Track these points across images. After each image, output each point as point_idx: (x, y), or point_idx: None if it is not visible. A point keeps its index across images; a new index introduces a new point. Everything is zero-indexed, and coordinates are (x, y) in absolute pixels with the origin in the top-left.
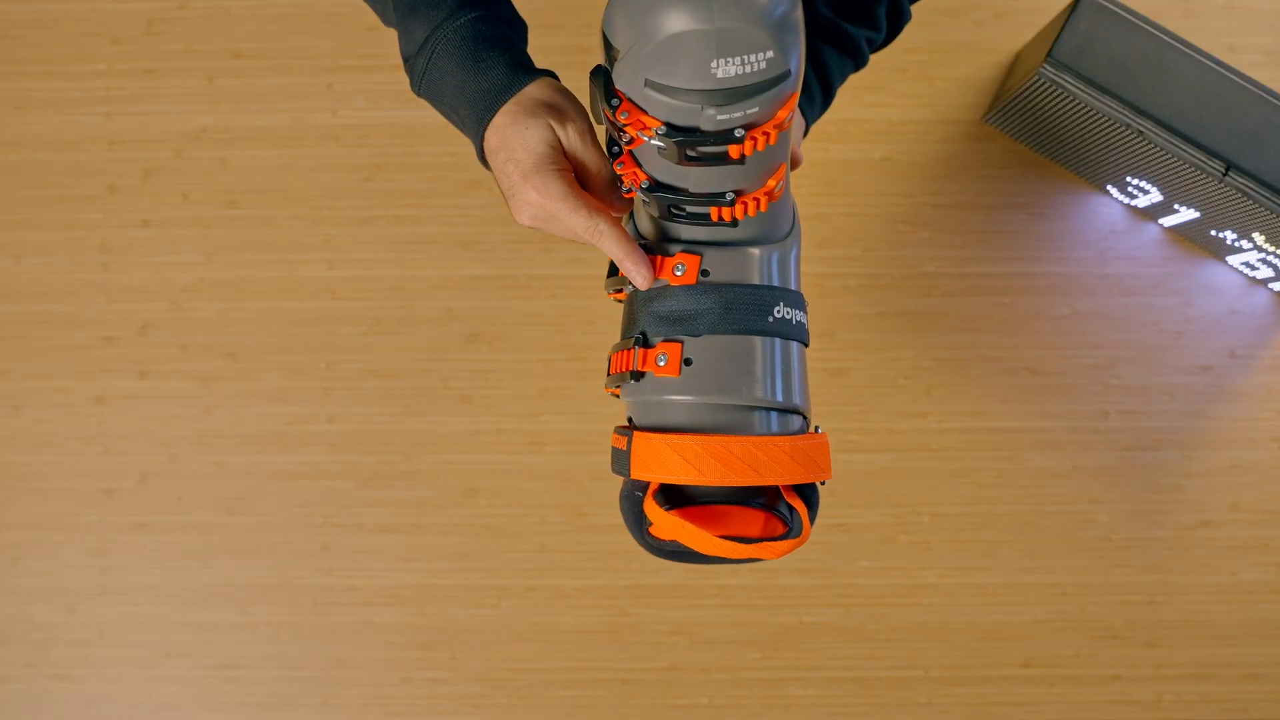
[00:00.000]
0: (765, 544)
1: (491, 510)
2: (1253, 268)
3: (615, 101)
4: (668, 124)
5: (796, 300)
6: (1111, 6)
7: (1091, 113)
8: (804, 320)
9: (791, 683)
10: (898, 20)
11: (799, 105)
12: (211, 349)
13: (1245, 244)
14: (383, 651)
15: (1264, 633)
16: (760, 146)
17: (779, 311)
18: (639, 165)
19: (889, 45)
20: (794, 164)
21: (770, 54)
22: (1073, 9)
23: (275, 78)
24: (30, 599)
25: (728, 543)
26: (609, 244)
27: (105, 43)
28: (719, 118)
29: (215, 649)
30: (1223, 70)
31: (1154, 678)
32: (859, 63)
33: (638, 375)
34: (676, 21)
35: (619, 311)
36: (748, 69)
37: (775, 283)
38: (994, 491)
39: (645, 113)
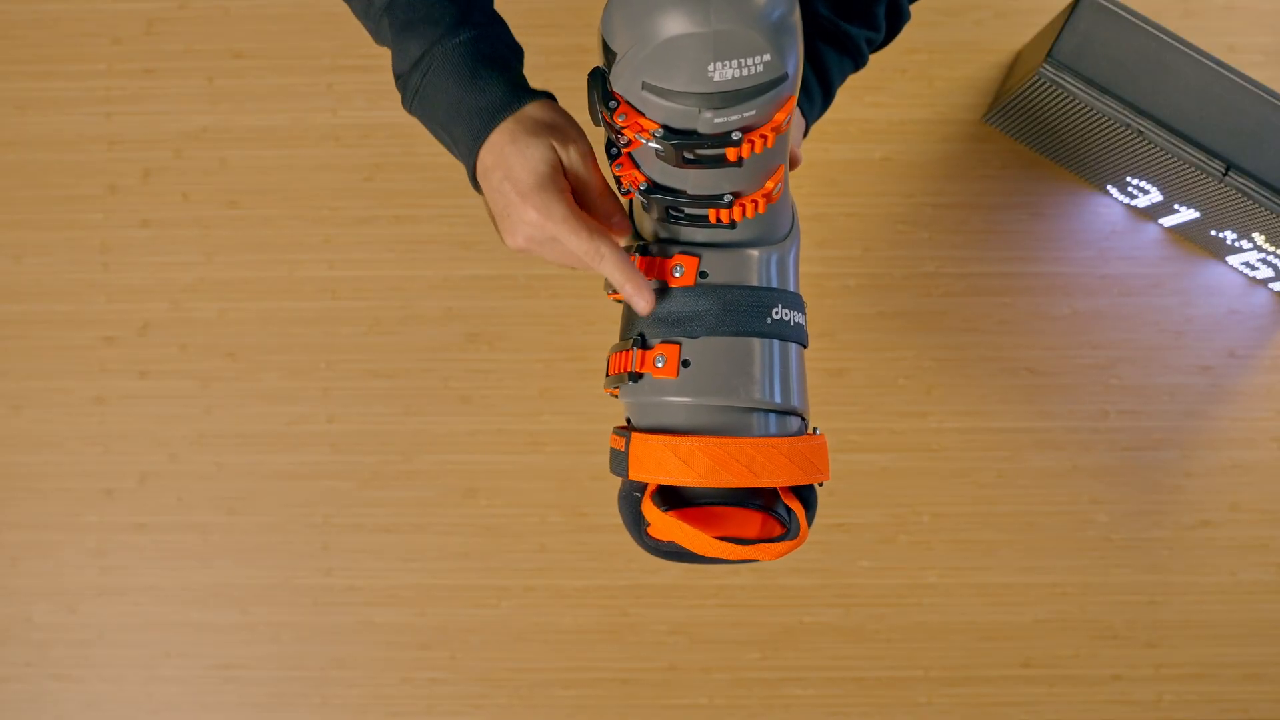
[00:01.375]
0: (763, 545)
1: (491, 510)
2: (1253, 268)
3: (613, 104)
4: (665, 126)
5: (795, 302)
6: (1111, 6)
7: (1091, 113)
8: (802, 322)
9: (791, 683)
10: (897, 20)
11: (799, 105)
12: (211, 349)
13: (1245, 244)
14: (383, 651)
15: (1264, 633)
16: (758, 149)
17: (777, 313)
18: (637, 167)
19: (889, 45)
20: (793, 164)
21: (767, 57)
22: (1073, 9)
23: (275, 78)
24: (30, 599)
25: (725, 544)
26: (609, 267)
27: (105, 43)
28: (716, 120)
29: (215, 649)
30: (1223, 70)
31: (1154, 678)
32: (858, 63)
33: (636, 376)
34: (674, 25)
35: (619, 311)
36: (745, 72)
37: (774, 284)
38: (994, 491)
39: (643, 115)
